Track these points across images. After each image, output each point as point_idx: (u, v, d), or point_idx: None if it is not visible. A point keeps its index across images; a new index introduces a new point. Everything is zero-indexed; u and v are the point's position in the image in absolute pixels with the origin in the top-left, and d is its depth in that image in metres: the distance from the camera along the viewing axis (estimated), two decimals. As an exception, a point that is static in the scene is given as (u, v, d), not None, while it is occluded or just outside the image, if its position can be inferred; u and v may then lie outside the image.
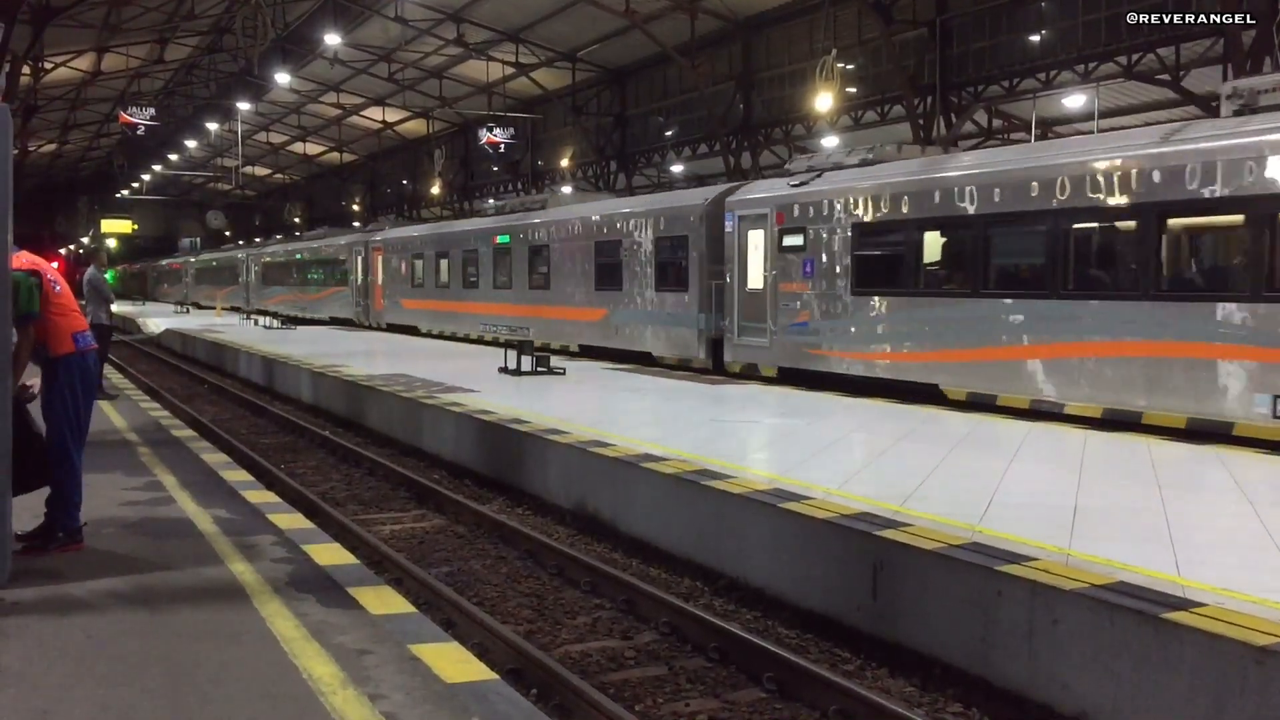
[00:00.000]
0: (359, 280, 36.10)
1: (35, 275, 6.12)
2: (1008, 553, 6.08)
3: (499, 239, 26.32)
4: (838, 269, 15.80)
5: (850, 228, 15.64)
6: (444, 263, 29.77)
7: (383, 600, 5.56)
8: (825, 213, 16.02)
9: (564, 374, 17.14)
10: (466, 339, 27.68)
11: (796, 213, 16.59)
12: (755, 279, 17.52)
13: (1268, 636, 4.74)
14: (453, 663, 4.67)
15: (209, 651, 4.74)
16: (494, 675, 4.66)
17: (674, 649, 6.72)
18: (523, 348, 17.61)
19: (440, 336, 29.45)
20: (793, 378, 16.59)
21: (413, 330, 31.30)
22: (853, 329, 15.55)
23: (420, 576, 7.88)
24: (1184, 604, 5.18)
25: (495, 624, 6.77)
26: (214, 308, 50.93)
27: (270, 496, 8.44)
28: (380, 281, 34.38)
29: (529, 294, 24.88)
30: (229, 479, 8.87)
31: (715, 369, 18.64)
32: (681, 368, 19.24)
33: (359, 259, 36.03)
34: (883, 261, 15.29)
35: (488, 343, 25.73)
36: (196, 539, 6.74)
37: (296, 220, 67.09)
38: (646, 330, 20.46)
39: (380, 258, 34.43)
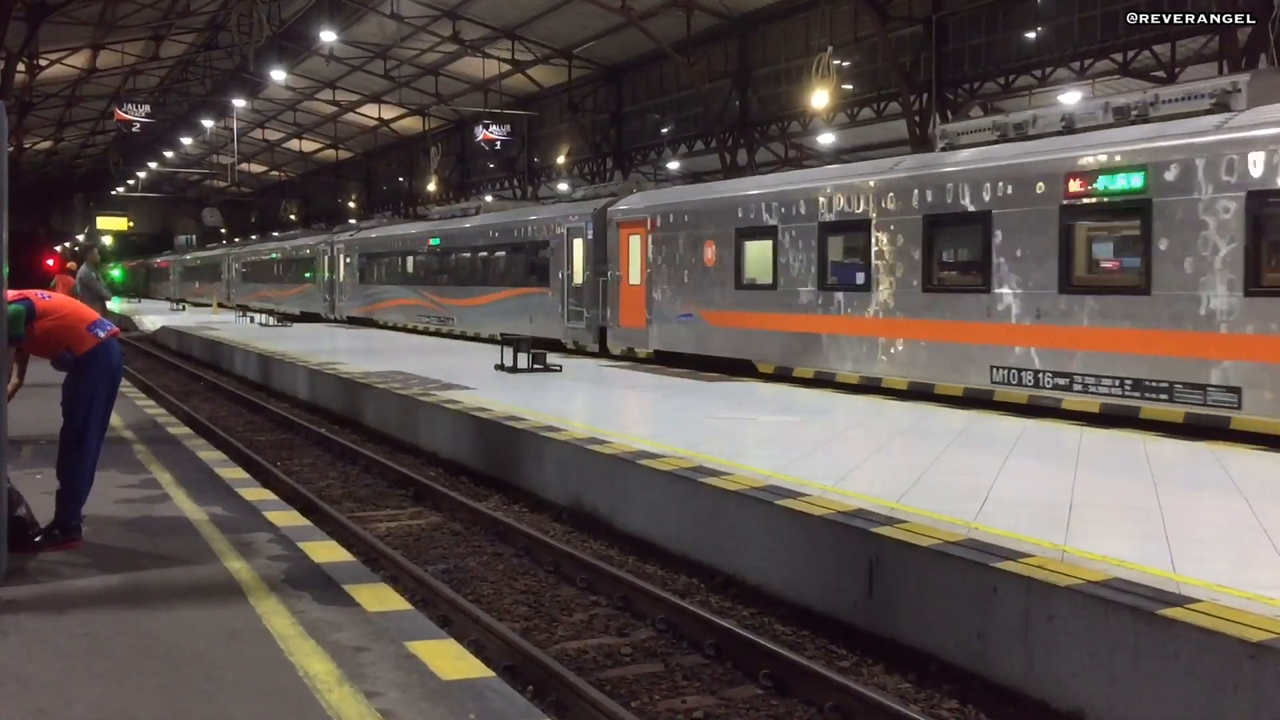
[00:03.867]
0: (577, 278, 22.71)
1: (23, 303, 6.30)
2: (1004, 549, 6.09)
3: (1104, 184, 11.99)
4: None
5: None
6: (837, 241, 15.95)
7: (379, 597, 5.56)
8: None
9: (560, 371, 17.12)
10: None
11: None
12: None
13: (1262, 632, 4.75)
14: (449, 660, 4.67)
15: (205, 649, 4.73)
16: (490, 672, 4.66)
17: (670, 646, 6.72)
18: (519, 344, 17.50)
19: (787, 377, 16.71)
20: None
21: (728, 367, 17.66)
22: None
23: (416, 574, 7.88)
24: (1179, 600, 5.20)
25: (491, 621, 6.77)
26: (265, 310, 40.67)
27: (266, 494, 8.43)
28: (638, 280, 20.43)
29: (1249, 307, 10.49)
30: (225, 476, 8.86)
31: None
32: None
33: (577, 243, 22.77)
34: None
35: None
36: (192, 536, 6.74)
37: (293, 217, 66.94)
38: None
39: (641, 241, 20.36)
